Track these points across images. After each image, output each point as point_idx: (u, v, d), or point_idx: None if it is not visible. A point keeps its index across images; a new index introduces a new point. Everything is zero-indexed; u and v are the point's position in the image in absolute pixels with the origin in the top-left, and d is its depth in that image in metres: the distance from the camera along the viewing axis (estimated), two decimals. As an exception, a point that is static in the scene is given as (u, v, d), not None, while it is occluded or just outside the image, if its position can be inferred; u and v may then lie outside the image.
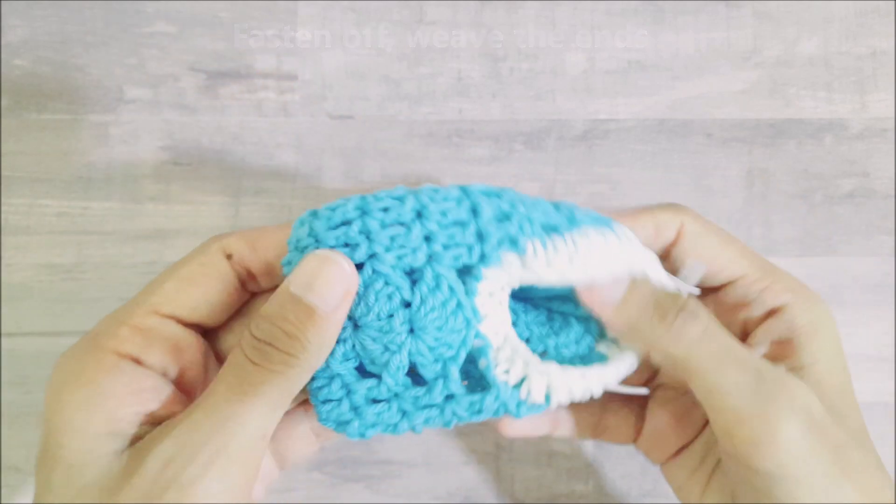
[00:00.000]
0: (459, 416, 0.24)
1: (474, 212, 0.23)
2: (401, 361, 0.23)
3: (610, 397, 0.28)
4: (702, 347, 0.23)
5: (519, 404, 0.23)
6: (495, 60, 0.38)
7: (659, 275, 0.25)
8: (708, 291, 0.26)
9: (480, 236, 0.23)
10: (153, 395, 0.22)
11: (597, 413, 0.29)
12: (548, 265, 0.23)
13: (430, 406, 0.23)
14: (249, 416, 0.21)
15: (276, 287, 0.22)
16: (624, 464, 0.36)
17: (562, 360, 0.25)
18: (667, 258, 0.26)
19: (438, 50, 0.38)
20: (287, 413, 0.27)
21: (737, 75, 0.38)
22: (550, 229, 0.24)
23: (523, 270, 0.23)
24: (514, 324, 0.26)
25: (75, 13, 0.37)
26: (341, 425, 0.24)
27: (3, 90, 0.37)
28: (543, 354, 0.26)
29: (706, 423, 0.27)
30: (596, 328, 0.27)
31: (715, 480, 0.26)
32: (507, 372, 0.23)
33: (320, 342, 0.21)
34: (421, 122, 0.37)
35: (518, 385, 0.23)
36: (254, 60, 0.37)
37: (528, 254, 0.23)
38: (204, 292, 0.23)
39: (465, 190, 0.23)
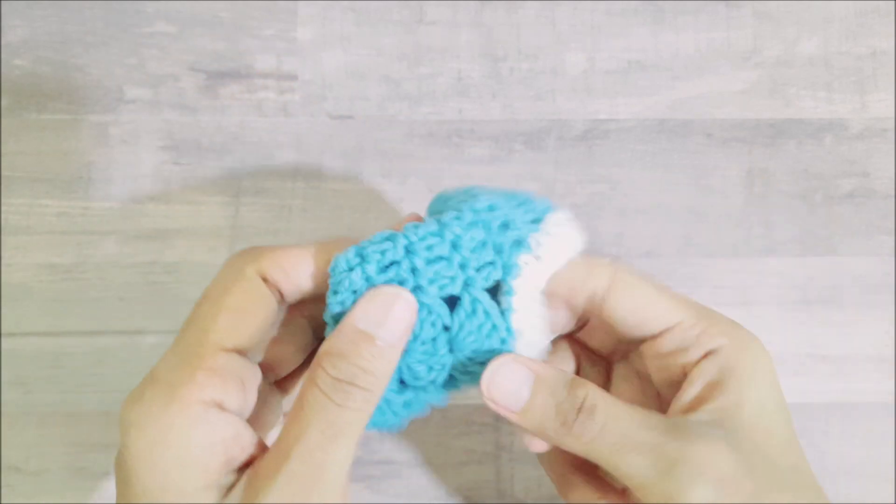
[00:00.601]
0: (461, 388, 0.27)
1: (487, 228, 0.25)
2: (444, 378, 0.25)
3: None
4: (600, 443, 0.23)
5: None
6: (495, 60, 0.38)
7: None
8: (645, 339, 0.26)
9: (498, 250, 0.25)
10: (236, 440, 0.22)
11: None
12: (553, 254, 0.25)
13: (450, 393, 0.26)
14: (340, 457, 0.22)
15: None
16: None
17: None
18: (601, 307, 0.26)
19: (438, 50, 0.38)
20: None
21: (737, 75, 0.38)
22: (534, 221, 0.26)
23: (540, 265, 0.25)
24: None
25: (75, 13, 0.37)
26: (379, 426, 0.26)
27: (3, 90, 0.37)
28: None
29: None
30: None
31: None
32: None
33: (387, 375, 0.23)
34: (421, 122, 0.37)
35: None
36: (254, 60, 0.37)
37: (534, 249, 0.25)
38: (255, 321, 0.23)
39: (474, 209, 0.25)
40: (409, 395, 0.25)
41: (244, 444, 0.22)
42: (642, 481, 0.23)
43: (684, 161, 0.38)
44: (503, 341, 0.25)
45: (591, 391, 0.24)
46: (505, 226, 0.25)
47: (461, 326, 0.24)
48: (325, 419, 0.22)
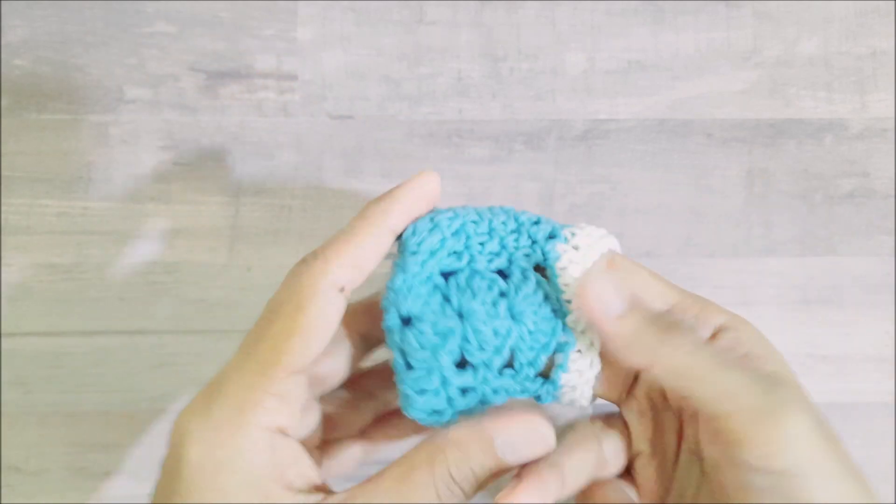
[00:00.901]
0: (520, 392, 0.26)
1: (517, 220, 0.27)
2: (508, 348, 0.25)
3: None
4: (703, 354, 0.23)
5: (546, 398, 0.26)
6: (495, 60, 0.38)
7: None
8: None
9: (532, 238, 0.27)
10: (296, 465, 0.22)
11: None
12: (588, 245, 0.26)
13: (505, 390, 0.26)
14: None
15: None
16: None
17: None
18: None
19: (438, 50, 0.38)
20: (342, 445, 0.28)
21: (737, 75, 0.38)
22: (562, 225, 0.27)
23: (577, 255, 0.26)
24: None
25: (75, 13, 0.37)
26: (432, 415, 0.25)
27: (3, 90, 0.37)
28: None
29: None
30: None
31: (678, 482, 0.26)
32: (566, 376, 0.26)
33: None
34: (421, 122, 0.37)
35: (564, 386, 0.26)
36: (254, 60, 0.37)
37: (569, 240, 0.26)
38: (326, 340, 0.23)
39: (501, 208, 0.27)
40: (467, 376, 0.25)
41: (302, 468, 0.22)
42: (749, 402, 0.22)
43: (684, 161, 0.38)
44: (556, 315, 0.26)
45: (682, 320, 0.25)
46: (535, 222, 0.27)
47: (517, 289, 0.25)
48: None
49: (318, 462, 0.27)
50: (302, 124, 0.37)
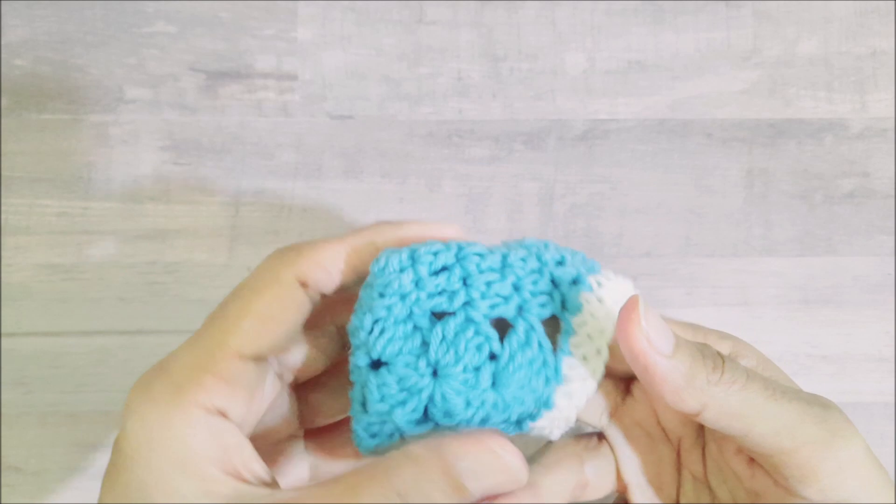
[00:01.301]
0: None
1: (539, 259, 0.23)
2: (482, 418, 0.22)
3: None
4: (754, 389, 0.22)
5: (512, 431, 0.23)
6: (495, 60, 0.38)
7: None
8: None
9: (554, 282, 0.22)
10: (237, 451, 0.21)
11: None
12: (616, 298, 0.22)
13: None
14: None
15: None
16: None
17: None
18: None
19: (438, 50, 0.38)
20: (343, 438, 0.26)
21: (737, 75, 0.38)
22: (589, 268, 0.24)
23: (601, 309, 0.22)
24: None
25: (75, 13, 0.37)
26: (382, 452, 0.23)
27: (3, 90, 0.37)
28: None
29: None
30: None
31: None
32: (536, 425, 0.23)
33: None
34: (421, 122, 0.37)
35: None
36: (254, 60, 0.37)
37: (595, 290, 0.22)
38: (284, 329, 0.22)
39: (520, 243, 0.23)
40: (427, 429, 0.22)
41: (245, 457, 0.21)
42: (810, 433, 0.21)
43: (684, 161, 0.38)
44: (547, 382, 0.22)
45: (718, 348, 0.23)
46: (560, 263, 0.23)
47: (511, 357, 0.21)
48: None
49: (312, 454, 0.27)
50: (302, 124, 0.37)
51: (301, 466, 0.26)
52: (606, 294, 0.22)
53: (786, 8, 0.38)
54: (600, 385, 0.24)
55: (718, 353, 0.22)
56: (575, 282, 0.22)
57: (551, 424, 0.23)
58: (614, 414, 0.27)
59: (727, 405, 0.21)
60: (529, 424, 0.23)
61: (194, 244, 0.36)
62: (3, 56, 0.37)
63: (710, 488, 0.25)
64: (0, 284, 0.36)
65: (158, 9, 0.37)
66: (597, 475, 0.26)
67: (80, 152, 0.37)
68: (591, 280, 0.23)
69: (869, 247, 0.37)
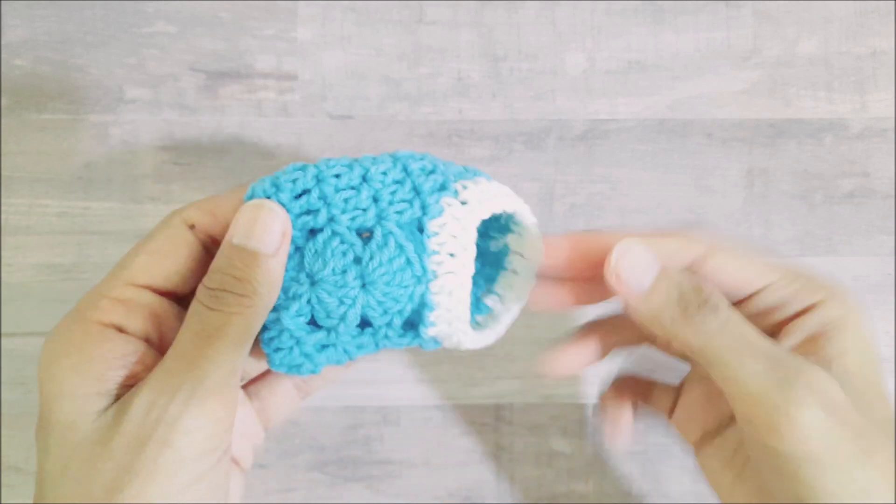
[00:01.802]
0: (389, 346, 0.26)
1: (406, 170, 0.25)
2: (355, 315, 0.24)
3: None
4: (719, 339, 0.24)
5: (427, 345, 0.26)
6: (495, 60, 0.38)
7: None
8: (738, 302, 0.27)
9: (416, 190, 0.25)
10: (136, 358, 0.23)
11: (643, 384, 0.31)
12: (481, 199, 0.25)
13: (371, 344, 0.26)
14: (216, 355, 0.22)
15: None
16: (624, 464, 0.36)
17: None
18: (696, 272, 0.27)
19: (438, 50, 0.38)
20: (268, 373, 0.29)
21: (737, 75, 0.38)
22: (464, 175, 0.26)
23: (465, 212, 0.25)
24: None
25: (75, 13, 0.37)
26: (293, 368, 0.25)
27: (3, 90, 0.37)
28: None
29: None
30: (483, 282, 0.29)
31: (747, 475, 0.27)
32: (434, 330, 0.25)
33: (268, 281, 0.23)
34: (421, 122, 0.37)
35: (434, 338, 0.26)
36: (254, 60, 0.37)
37: (460, 193, 0.25)
38: (173, 262, 0.25)
39: (394, 155, 0.26)
40: (320, 335, 0.25)
41: (147, 363, 0.23)
42: (756, 389, 0.23)
43: (684, 161, 0.38)
44: (418, 281, 0.24)
45: (715, 291, 0.25)
46: (429, 171, 0.25)
47: (371, 256, 0.24)
48: (199, 322, 0.23)
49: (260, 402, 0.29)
50: (302, 124, 0.37)
51: (247, 412, 0.29)
52: (471, 196, 0.25)
53: (786, 8, 0.38)
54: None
55: (703, 298, 0.24)
56: (442, 188, 0.25)
57: (450, 328, 0.25)
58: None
59: (690, 343, 0.24)
60: (429, 332, 0.25)
61: (194, 244, 0.36)
62: (3, 56, 0.37)
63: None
64: (0, 284, 0.36)
65: (158, 9, 0.37)
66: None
67: (80, 152, 0.37)
68: (456, 185, 0.25)
69: (869, 247, 0.37)
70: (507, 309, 0.28)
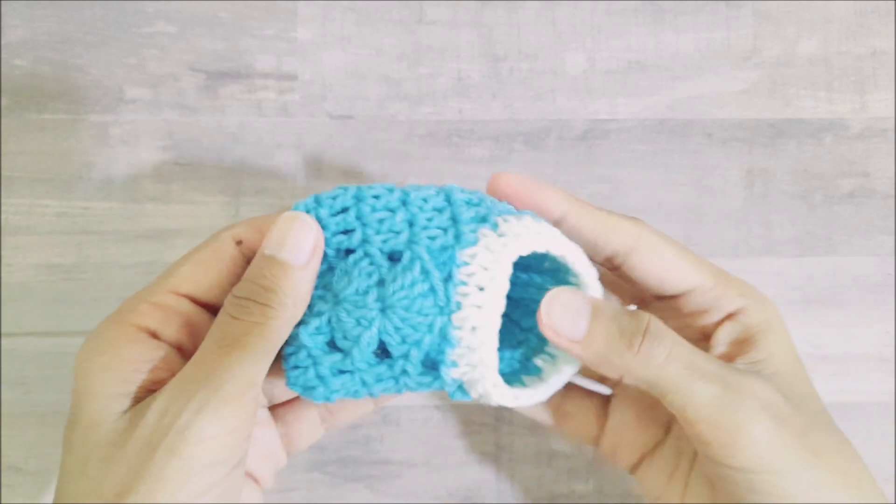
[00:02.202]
0: (410, 387, 0.25)
1: (448, 200, 0.25)
2: (370, 338, 0.24)
3: (570, 388, 0.30)
4: (669, 368, 0.24)
5: (455, 394, 0.25)
6: (495, 60, 0.38)
7: (584, 260, 0.26)
8: (666, 299, 0.28)
9: (454, 219, 0.24)
10: (165, 364, 0.24)
11: (556, 400, 0.30)
12: (520, 233, 0.24)
13: (389, 379, 0.25)
14: (234, 365, 0.22)
15: None
16: (624, 464, 0.36)
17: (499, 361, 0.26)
18: (621, 266, 0.27)
19: (438, 50, 0.38)
20: (296, 399, 0.29)
21: (737, 75, 0.38)
22: (510, 212, 0.25)
23: (500, 244, 0.24)
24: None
25: (75, 13, 0.37)
26: (307, 390, 0.25)
27: (3, 90, 0.37)
28: None
29: (671, 422, 0.29)
30: (535, 340, 0.27)
31: (693, 481, 0.27)
32: (456, 371, 0.24)
33: (295, 294, 0.23)
34: (421, 122, 0.37)
35: (461, 385, 0.25)
36: (254, 60, 0.37)
37: (500, 226, 0.24)
38: (216, 274, 0.25)
39: (442, 187, 0.26)
40: (336, 358, 0.24)
41: (175, 370, 0.23)
42: (707, 413, 0.24)
43: (684, 161, 0.38)
44: (440, 311, 0.23)
45: (652, 318, 0.25)
46: (473, 204, 0.25)
47: (394, 278, 0.23)
48: (221, 331, 0.23)
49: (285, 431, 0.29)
50: (302, 124, 0.37)
51: (271, 434, 0.29)
52: (510, 229, 0.24)
53: (786, 8, 0.38)
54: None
55: (643, 326, 0.24)
56: (482, 220, 0.24)
57: (475, 374, 0.24)
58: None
59: (642, 377, 0.24)
60: (450, 373, 0.24)
61: (194, 244, 0.36)
62: (3, 56, 0.37)
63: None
64: (0, 284, 0.36)
65: (158, 9, 0.37)
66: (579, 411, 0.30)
67: (80, 152, 0.37)
68: (498, 219, 0.24)
69: (869, 247, 0.37)
70: (557, 370, 0.26)
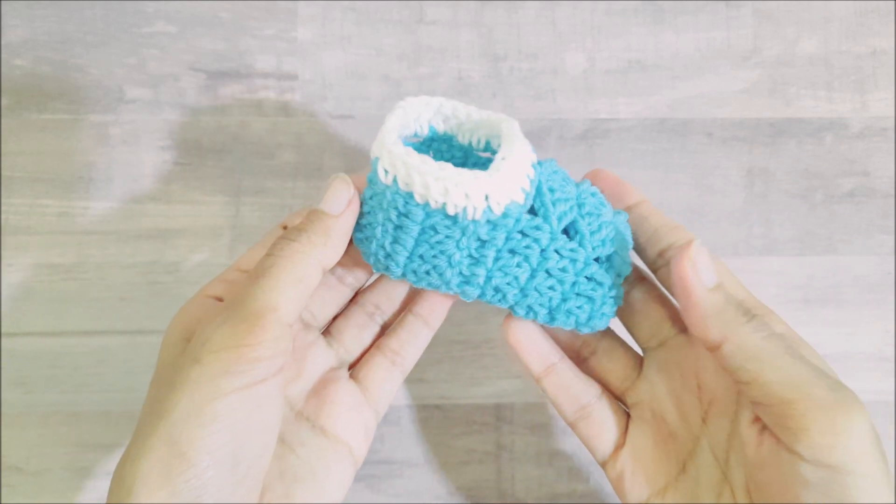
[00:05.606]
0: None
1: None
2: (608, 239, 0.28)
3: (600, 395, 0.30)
4: (777, 343, 0.24)
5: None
6: (495, 60, 0.38)
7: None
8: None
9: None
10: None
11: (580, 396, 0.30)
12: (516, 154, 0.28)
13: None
14: (258, 290, 0.25)
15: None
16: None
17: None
18: (668, 265, 0.28)
19: (438, 50, 0.38)
20: (365, 354, 0.31)
21: (737, 75, 0.38)
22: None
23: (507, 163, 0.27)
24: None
25: (75, 13, 0.37)
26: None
27: (3, 90, 0.37)
28: None
29: (686, 461, 0.28)
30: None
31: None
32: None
33: (326, 235, 0.26)
34: (421, 121, 0.37)
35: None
36: (254, 60, 0.37)
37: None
38: (307, 296, 0.27)
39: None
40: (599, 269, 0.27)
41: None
42: (815, 392, 0.23)
43: (685, 160, 0.38)
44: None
45: (768, 310, 0.27)
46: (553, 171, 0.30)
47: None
48: (256, 266, 0.26)
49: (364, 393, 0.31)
50: (302, 124, 0.37)
51: (351, 390, 0.30)
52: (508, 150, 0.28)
53: (786, 8, 0.38)
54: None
55: (756, 312, 0.25)
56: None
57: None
58: (631, 389, 0.30)
59: (746, 344, 0.24)
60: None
61: (194, 244, 0.36)
62: (3, 56, 0.37)
63: (725, 468, 0.27)
64: (0, 284, 0.36)
65: (158, 9, 0.37)
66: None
67: (80, 152, 0.37)
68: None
69: (869, 246, 0.37)
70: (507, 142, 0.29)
